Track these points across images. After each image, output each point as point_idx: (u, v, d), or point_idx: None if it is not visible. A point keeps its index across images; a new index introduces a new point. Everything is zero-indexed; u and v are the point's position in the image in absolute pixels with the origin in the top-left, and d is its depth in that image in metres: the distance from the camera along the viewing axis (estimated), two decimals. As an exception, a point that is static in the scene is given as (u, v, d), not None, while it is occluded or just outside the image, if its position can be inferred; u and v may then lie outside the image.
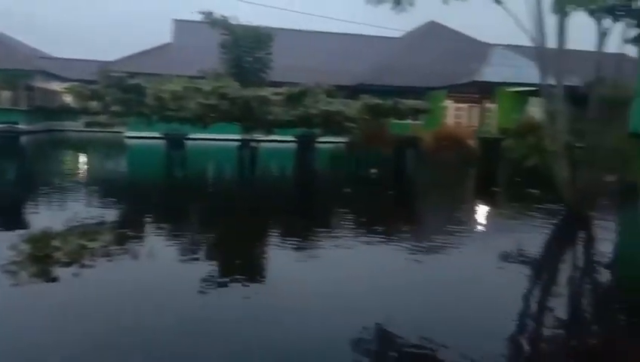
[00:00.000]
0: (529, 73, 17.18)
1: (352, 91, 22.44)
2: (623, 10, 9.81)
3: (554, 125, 8.40)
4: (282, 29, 29.00)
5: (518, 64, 23.00)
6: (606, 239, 7.51)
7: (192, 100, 14.14)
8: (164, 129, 17.56)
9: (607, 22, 8.88)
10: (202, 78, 16.23)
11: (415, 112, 16.99)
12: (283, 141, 16.53)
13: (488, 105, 26.85)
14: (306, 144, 14.99)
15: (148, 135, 20.69)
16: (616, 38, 8.93)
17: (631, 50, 9.38)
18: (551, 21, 8.53)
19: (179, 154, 16.75)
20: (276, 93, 14.39)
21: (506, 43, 26.29)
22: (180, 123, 15.58)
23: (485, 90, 25.58)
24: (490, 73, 23.54)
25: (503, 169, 14.00)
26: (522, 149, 10.09)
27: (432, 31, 30.97)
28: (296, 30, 31.41)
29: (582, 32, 10.44)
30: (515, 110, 24.21)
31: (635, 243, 7.96)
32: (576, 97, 8.97)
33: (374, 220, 8.36)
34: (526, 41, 9.25)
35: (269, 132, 16.14)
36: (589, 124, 8.47)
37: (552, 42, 8.51)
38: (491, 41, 28.42)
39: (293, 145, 17.90)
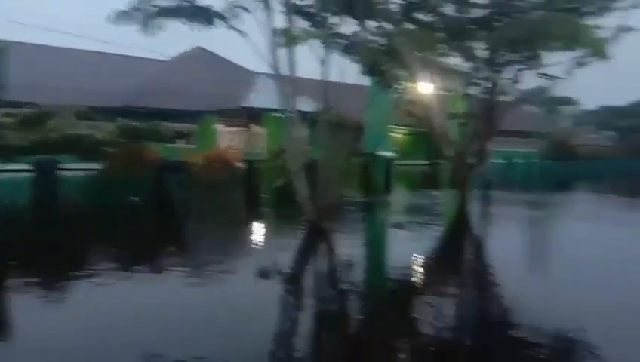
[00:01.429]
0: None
1: (116, 113, 20.89)
2: (353, 48, 11.51)
3: (293, 147, 9.22)
4: (27, 44, 25.40)
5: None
6: (341, 249, 8.43)
7: None
8: None
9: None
10: None
11: (180, 135, 16.70)
12: (21, 170, 14.33)
13: (258, 129, 28.32)
14: (47, 173, 13.17)
15: None
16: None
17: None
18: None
19: None
20: (8, 115, 12.33)
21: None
22: None
23: (253, 115, 26.92)
24: (255, 99, 24.91)
25: (262, 190, 14.89)
26: (272, 171, 10.85)
27: (200, 56, 31.31)
28: (46, 46, 27.96)
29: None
30: (282, 134, 25.93)
31: (367, 252, 9.09)
32: (314, 122, 10.06)
33: (134, 251, 7.85)
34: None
35: (5, 160, 13.69)
36: (322, 146, 9.57)
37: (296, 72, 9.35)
38: (256, 69, 30.12)
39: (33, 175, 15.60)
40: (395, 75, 13.09)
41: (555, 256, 8.59)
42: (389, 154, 18.69)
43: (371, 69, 12.15)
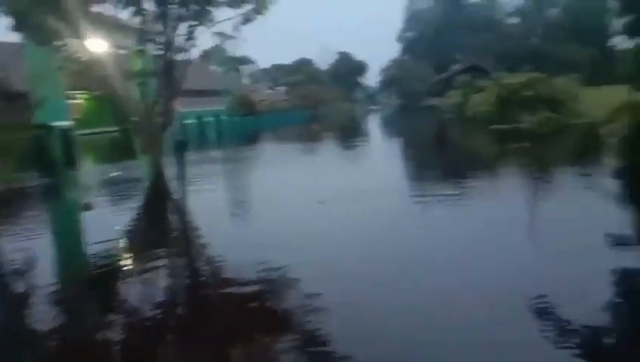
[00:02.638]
0: None
1: None
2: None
3: None
4: None
5: None
6: (7, 245, 6.77)
7: None
8: None
9: None
10: None
11: None
12: None
13: None
14: None
15: None
16: None
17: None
18: None
19: None
20: None
21: None
22: None
23: None
24: None
25: None
26: None
27: None
28: None
29: None
30: None
31: (49, 245, 7.48)
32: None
33: None
34: None
35: None
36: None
37: None
38: None
39: None
40: (54, 30, 11.04)
41: (253, 205, 9.16)
42: (65, 123, 16.17)
43: (21, 21, 9.90)
